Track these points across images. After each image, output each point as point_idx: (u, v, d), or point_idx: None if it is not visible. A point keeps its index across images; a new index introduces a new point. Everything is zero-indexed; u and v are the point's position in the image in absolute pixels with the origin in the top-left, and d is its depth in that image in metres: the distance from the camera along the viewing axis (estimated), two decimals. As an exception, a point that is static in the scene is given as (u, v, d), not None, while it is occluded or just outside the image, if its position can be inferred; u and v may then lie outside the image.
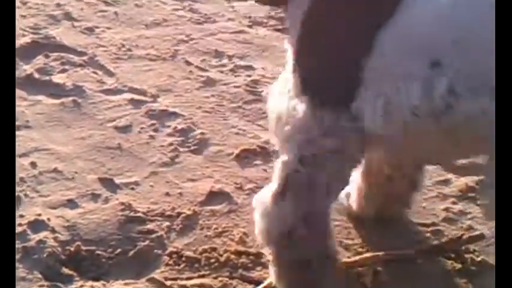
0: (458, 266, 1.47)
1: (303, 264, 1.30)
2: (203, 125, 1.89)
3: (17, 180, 1.61)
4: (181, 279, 1.42)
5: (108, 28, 2.31)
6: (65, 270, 1.41)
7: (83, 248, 1.46)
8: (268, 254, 1.35)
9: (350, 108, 1.20)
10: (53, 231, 1.49)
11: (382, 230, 1.55)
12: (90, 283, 1.39)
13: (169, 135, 1.84)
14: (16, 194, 1.57)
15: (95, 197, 1.61)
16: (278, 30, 2.37)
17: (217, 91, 2.04)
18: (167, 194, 1.64)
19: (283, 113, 1.27)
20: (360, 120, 1.20)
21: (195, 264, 1.45)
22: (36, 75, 2.03)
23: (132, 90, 2.01)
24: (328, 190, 1.28)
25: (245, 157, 1.78)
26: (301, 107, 1.23)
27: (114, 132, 1.84)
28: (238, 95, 2.03)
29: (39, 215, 1.53)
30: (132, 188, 1.65)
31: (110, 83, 2.04)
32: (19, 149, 1.73)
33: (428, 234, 1.57)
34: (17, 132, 1.78)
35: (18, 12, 2.31)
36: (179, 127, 1.87)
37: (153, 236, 1.51)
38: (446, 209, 1.63)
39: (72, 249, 1.45)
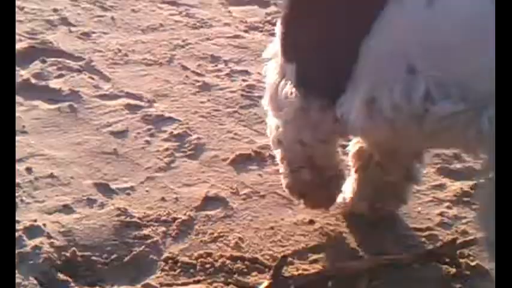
0: (453, 270, 1.48)
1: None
2: (199, 129, 1.90)
3: (13, 185, 1.62)
4: (177, 284, 1.42)
5: (105, 33, 2.31)
6: (61, 276, 1.41)
7: (79, 253, 1.46)
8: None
9: (335, 106, 1.25)
10: (49, 236, 1.49)
11: (377, 235, 1.56)
12: (85, 289, 1.39)
13: (165, 140, 1.84)
14: (12, 199, 1.57)
15: (90, 202, 1.61)
16: (274, 35, 2.37)
17: (213, 96, 2.04)
18: (163, 199, 1.64)
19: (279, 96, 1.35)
20: (345, 119, 1.25)
21: (190, 270, 1.45)
22: (33, 81, 2.03)
23: (128, 95, 2.01)
24: None
25: (241, 162, 1.78)
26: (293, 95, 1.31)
27: (110, 137, 1.84)
28: (234, 99, 2.03)
29: (35, 220, 1.53)
30: (128, 193, 1.66)
31: (106, 88, 2.04)
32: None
33: (423, 239, 1.57)
34: (13, 138, 1.78)
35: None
36: (175, 132, 1.87)
37: (149, 241, 1.51)
38: (441, 214, 1.64)
39: (67, 254, 1.45)
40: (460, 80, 1.16)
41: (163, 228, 1.55)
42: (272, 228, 1.56)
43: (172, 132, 1.87)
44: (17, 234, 1.48)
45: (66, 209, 1.59)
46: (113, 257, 1.47)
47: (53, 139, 1.82)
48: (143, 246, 1.50)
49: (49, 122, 1.89)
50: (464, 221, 1.61)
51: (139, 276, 1.44)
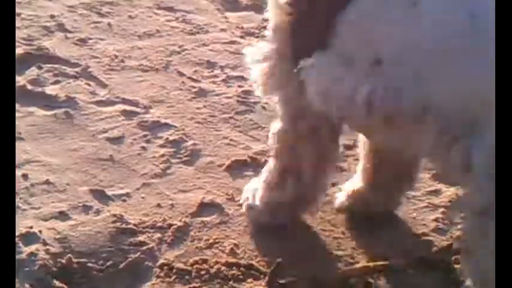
0: (448, 276, 1.48)
1: None
2: (195, 135, 1.90)
3: (8, 192, 1.62)
4: (172, 291, 1.42)
5: (102, 39, 2.31)
6: (56, 283, 1.41)
7: (74, 260, 1.46)
8: None
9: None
10: (45, 243, 1.50)
11: (373, 241, 1.56)
12: (81, 296, 1.40)
13: (161, 146, 1.85)
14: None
15: (86, 208, 1.62)
16: (270, 40, 2.39)
17: (209, 102, 2.05)
18: (158, 205, 1.64)
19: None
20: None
21: (185, 276, 1.46)
22: (29, 87, 2.04)
23: (124, 101, 2.02)
24: None
25: (236, 168, 1.78)
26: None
27: (106, 143, 1.85)
28: (230, 105, 2.04)
29: (31, 227, 1.53)
30: (124, 200, 1.66)
31: (103, 94, 2.04)
32: (11, 161, 1.74)
33: (418, 245, 1.58)
34: (9, 144, 1.78)
35: (11, 23, 2.32)
36: (171, 138, 1.88)
37: (144, 248, 1.52)
38: (436, 219, 1.64)
39: (63, 261, 1.46)
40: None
41: (159, 235, 1.55)
42: (267, 234, 1.56)
43: (168, 138, 1.88)
44: (12, 241, 1.49)
45: (62, 215, 1.59)
46: (108, 263, 1.47)
47: (49, 145, 1.83)
48: (139, 253, 1.50)
49: (45, 129, 1.89)
50: (459, 226, 1.61)
51: (134, 283, 1.44)
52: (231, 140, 1.89)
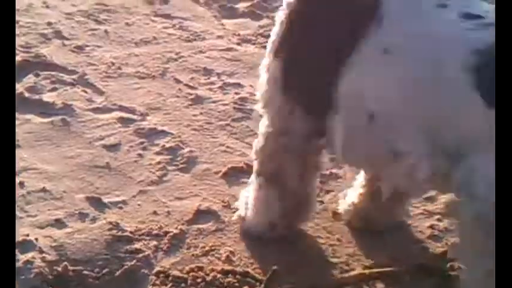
0: (444, 283, 1.48)
1: None
2: (191, 143, 1.91)
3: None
4: (168, 298, 1.43)
5: (99, 46, 2.32)
6: (52, 291, 1.42)
7: (70, 268, 1.46)
8: None
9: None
10: (41, 251, 1.50)
11: (368, 248, 1.57)
12: (76, 303, 1.40)
13: (158, 153, 1.85)
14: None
15: (82, 216, 1.62)
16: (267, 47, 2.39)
17: (205, 109, 2.05)
18: (155, 212, 1.65)
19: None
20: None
21: (181, 284, 1.46)
22: (27, 94, 2.04)
23: (121, 108, 2.02)
24: None
25: (233, 175, 1.79)
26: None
27: (102, 150, 1.85)
28: (226, 112, 2.04)
29: (27, 235, 1.54)
30: (120, 207, 1.66)
31: (99, 102, 2.05)
32: (8, 168, 1.74)
33: (413, 252, 1.58)
34: (6, 152, 1.79)
35: (9, 31, 2.33)
36: (167, 145, 1.88)
37: (140, 255, 1.52)
38: (431, 226, 1.65)
39: (59, 269, 1.46)
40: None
41: (155, 242, 1.56)
42: (263, 241, 1.57)
43: (164, 145, 1.88)
44: (8, 249, 1.49)
45: (58, 223, 1.59)
46: (104, 271, 1.47)
47: (45, 153, 1.83)
48: (135, 261, 1.50)
49: (42, 136, 1.89)
50: (454, 233, 1.62)
51: (130, 290, 1.44)
52: (227, 147, 1.90)
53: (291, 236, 1.58)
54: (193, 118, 2.01)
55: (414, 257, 1.56)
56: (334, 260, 1.54)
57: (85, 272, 1.46)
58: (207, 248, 1.55)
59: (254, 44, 2.42)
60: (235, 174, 1.79)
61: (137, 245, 1.54)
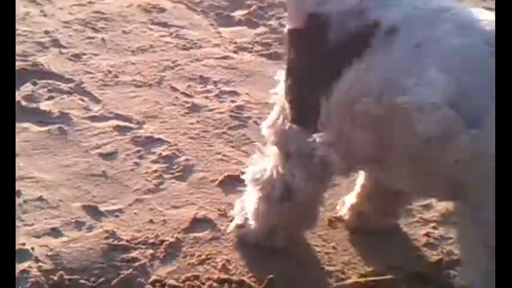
0: (439, 291, 1.49)
1: None
2: (188, 151, 1.91)
3: (1, 209, 1.63)
4: (164, 307, 1.43)
5: (96, 54, 2.33)
6: (48, 300, 1.42)
7: (66, 277, 1.47)
8: None
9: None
10: (37, 260, 1.50)
11: (363, 256, 1.57)
12: (72, 312, 1.40)
13: (154, 162, 1.86)
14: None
15: (79, 225, 1.62)
16: (263, 55, 2.41)
17: (202, 117, 2.06)
18: (151, 221, 1.65)
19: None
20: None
21: (177, 293, 1.46)
22: (24, 103, 2.05)
23: (118, 116, 2.03)
24: None
25: (229, 183, 1.79)
26: None
27: (99, 159, 1.86)
28: (222, 120, 2.05)
29: (23, 244, 1.54)
30: (117, 216, 1.67)
31: (96, 110, 2.05)
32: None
33: (409, 260, 1.59)
34: (2, 161, 1.79)
35: (6, 39, 2.33)
36: (164, 154, 1.89)
37: (137, 264, 1.52)
38: (427, 234, 1.65)
39: (55, 278, 1.46)
40: None
41: (151, 251, 1.56)
42: (259, 250, 1.57)
43: (161, 153, 1.89)
44: (5, 258, 1.49)
45: (55, 232, 1.60)
46: (100, 280, 1.47)
47: (42, 161, 1.83)
48: (131, 269, 1.50)
49: (39, 145, 1.90)
50: (450, 241, 1.62)
51: (126, 299, 1.45)
52: (223, 155, 1.91)
53: (287, 245, 1.58)
54: (190, 126, 2.02)
55: (410, 265, 1.56)
56: (330, 268, 1.54)
57: (81, 281, 1.47)
58: (203, 257, 1.55)
59: (250, 52, 2.43)
60: (232, 183, 1.79)
61: (133, 254, 1.55)
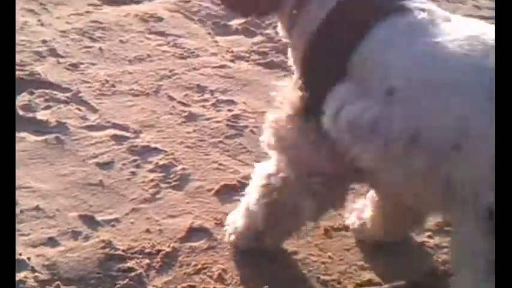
0: (435, 300, 1.49)
1: None
2: (184, 160, 1.92)
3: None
4: (160, 317, 1.43)
5: (93, 64, 2.34)
6: (44, 310, 1.42)
7: (63, 287, 1.47)
8: None
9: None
10: (33, 270, 1.50)
11: (359, 266, 1.57)
12: (68, 323, 1.40)
13: (151, 171, 1.86)
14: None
15: (75, 234, 1.63)
16: (260, 64, 2.42)
17: (199, 126, 2.07)
18: (147, 230, 1.65)
19: None
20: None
21: (173, 302, 1.46)
22: (21, 112, 2.05)
23: (114, 126, 2.04)
24: None
25: (225, 192, 1.80)
26: None
27: (96, 168, 1.86)
28: (219, 129, 2.06)
29: (20, 254, 1.54)
30: (113, 225, 1.67)
31: (93, 119, 2.06)
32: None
33: (405, 269, 1.59)
34: None
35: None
36: (160, 163, 1.89)
37: (133, 274, 1.52)
38: (423, 243, 1.66)
39: (51, 288, 1.47)
40: None
41: (147, 261, 1.56)
42: (255, 259, 1.57)
43: (158, 163, 1.89)
44: (1, 268, 1.49)
45: (51, 241, 1.60)
46: (96, 290, 1.48)
47: (39, 171, 1.84)
48: (127, 279, 1.51)
49: (36, 154, 1.90)
50: (445, 250, 1.63)
51: (122, 309, 1.45)
52: (220, 164, 1.91)
53: (283, 254, 1.59)
54: (187, 135, 2.02)
55: (406, 275, 1.56)
56: (326, 278, 1.54)
57: (77, 291, 1.47)
58: (199, 266, 1.55)
59: (247, 61, 2.43)
60: (228, 192, 1.80)
61: (130, 264, 1.55)
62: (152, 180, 1.82)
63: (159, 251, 1.59)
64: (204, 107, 2.16)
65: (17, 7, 2.55)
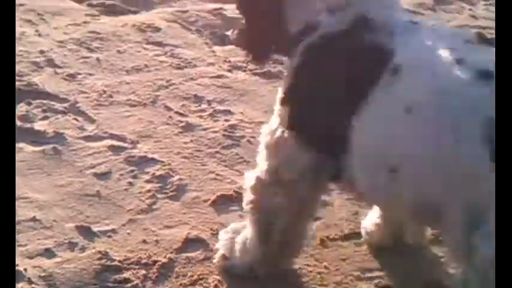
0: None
1: None
2: (181, 170, 1.92)
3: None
4: (156, 328, 1.43)
5: (90, 74, 2.35)
6: (40, 322, 1.42)
7: (59, 298, 1.47)
8: None
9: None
10: (30, 282, 1.51)
11: (355, 276, 1.58)
12: (64, 334, 1.40)
13: (148, 181, 1.87)
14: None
15: (72, 245, 1.63)
16: (257, 74, 2.43)
17: (196, 136, 2.07)
18: (144, 241, 1.66)
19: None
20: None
21: (169, 314, 1.47)
22: (18, 123, 2.06)
23: (112, 136, 2.04)
24: None
25: (222, 203, 1.80)
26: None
27: (93, 179, 1.87)
28: (216, 140, 2.06)
29: (17, 265, 1.54)
30: (109, 236, 1.67)
31: (91, 130, 2.07)
32: (-2, 198, 1.75)
33: (402, 279, 1.59)
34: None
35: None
36: (157, 173, 1.90)
37: (129, 285, 1.53)
38: (421, 253, 1.66)
39: (48, 300, 1.47)
40: None
41: (144, 272, 1.56)
42: (251, 270, 1.57)
43: (154, 173, 1.90)
44: (-3, 279, 1.49)
45: (48, 252, 1.60)
46: (93, 301, 1.48)
47: (36, 181, 1.84)
48: (123, 290, 1.51)
49: (33, 165, 1.91)
50: (441, 260, 1.63)
51: (118, 320, 1.45)
52: (217, 174, 1.92)
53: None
54: (184, 146, 2.03)
55: (402, 285, 1.57)
56: (322, 288, 1.55)
57: (73, 303, 1.47)
58: (195, 277, 1.56)
59: (245, 70, 2.44)
60: (225, 202, 1.80)
61: (126, 274, 1.55)
62: (149, 191, 1.83)
63: (155, 261, 1.59)
64: (201, 117, 2.17)
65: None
